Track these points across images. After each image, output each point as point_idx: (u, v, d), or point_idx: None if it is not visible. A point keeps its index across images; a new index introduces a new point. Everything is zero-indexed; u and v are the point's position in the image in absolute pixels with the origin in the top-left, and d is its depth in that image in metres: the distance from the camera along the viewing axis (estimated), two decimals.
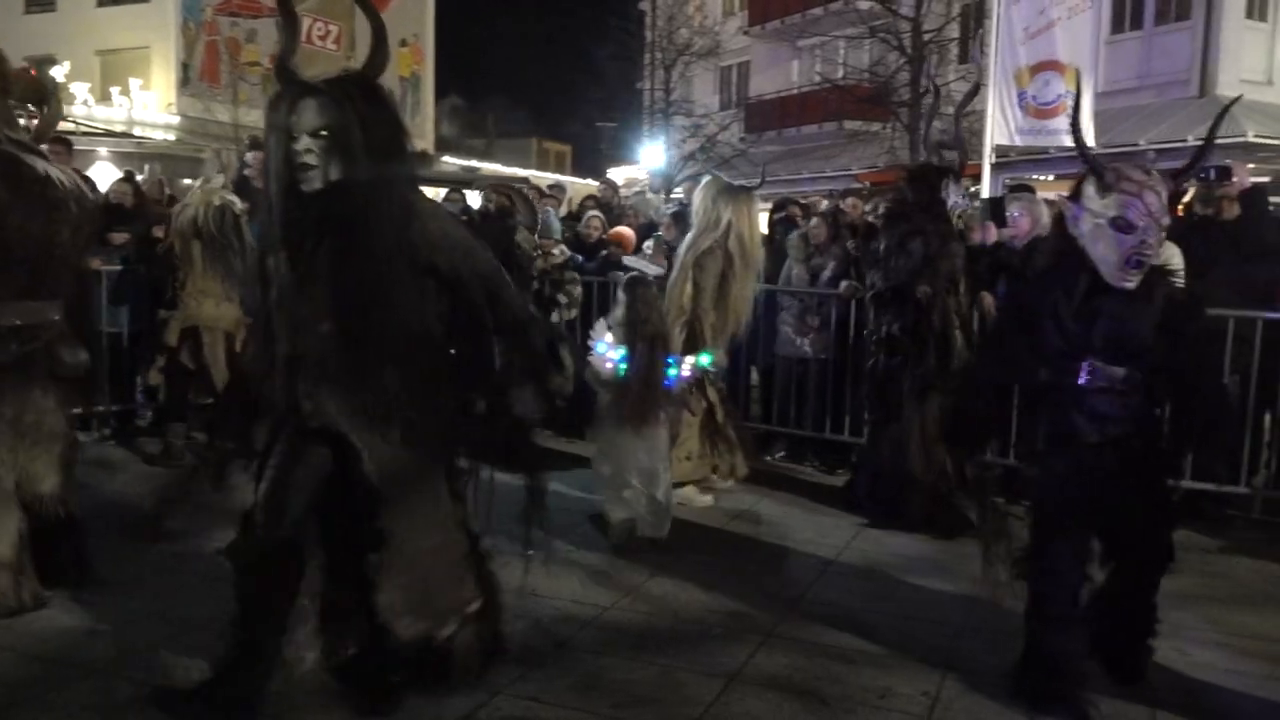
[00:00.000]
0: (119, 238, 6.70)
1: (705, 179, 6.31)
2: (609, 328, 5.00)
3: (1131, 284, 3.18)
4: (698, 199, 6.04)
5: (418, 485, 2.94)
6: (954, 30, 20.26)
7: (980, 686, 3.47)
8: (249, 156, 7.95)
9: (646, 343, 4.80)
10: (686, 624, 4.00)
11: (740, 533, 5.33)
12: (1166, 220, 3.19)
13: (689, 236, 5.95)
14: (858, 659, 3.68)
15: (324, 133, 2.75)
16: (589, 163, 32.03)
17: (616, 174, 22.34)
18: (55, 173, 3.86)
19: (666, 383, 4.96)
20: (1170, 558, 3.43)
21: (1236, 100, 4.19)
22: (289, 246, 2.84)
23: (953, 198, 5.41)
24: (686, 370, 5.24)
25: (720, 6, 28.02)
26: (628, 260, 6.58)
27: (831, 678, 3.52)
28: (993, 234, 6.24)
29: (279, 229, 2.86)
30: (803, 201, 9.38)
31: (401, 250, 2.80)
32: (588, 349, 4.97)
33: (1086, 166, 3.28)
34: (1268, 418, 5.66)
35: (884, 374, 5.55)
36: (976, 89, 6.39)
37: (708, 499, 5.80)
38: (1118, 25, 17.33)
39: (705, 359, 5.51)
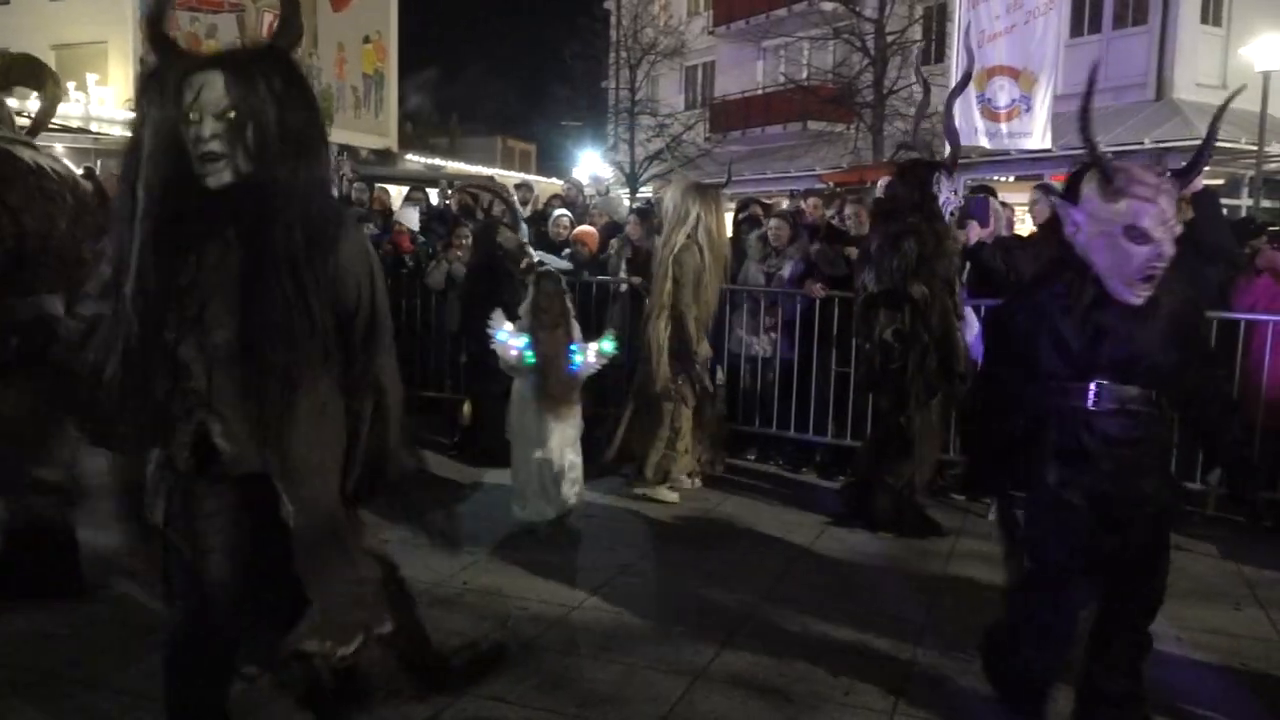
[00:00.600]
0: None
1: (675, 177, 6.40)
2: (513, 317, 5.27)
3: (1141, 299, 2.86)
4: (668, 196, 6.11)
5: (332, 519, 2.57)
6: (916, 32, 20.45)
7: (943, 683, 3.51)
8: None
9: (546, 330, 5.12)
10: (651, 622, 4.00)
11: (704, 531, 5.35)
12: (1179, 228, 2.89)
13: (663, 233, 6.01)
14: (822, 657, 3.70)
15: (232, 114, 2.21)
16: (554, 162, 31.96)
17: (581, 173, 22.31)
18: (47, 163, 3.78)
19: (571, 369, 5.19)
20: (1160, 598, 3.08)
21: (1239, 92, 3.80)
22: (175, 255, 2.28)
23: (944, 194, 5.24)
24: (591, 357, 5.28)
25: (685, 6, 28.08)
26: (539, 255, 6.76)
27: (796, 675, 3.54)
28: (975, 233, 6.21)
29: (155, 233, 2.26)
30: (766, 201, 9.44)
31: (326, 264, 2.34)
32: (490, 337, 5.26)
33: (1095, 168, 2.90)
34: None
35: (877, 378, 5.39)
36: (967, 79, 6.31)
37: (674, 496, 5.83)
38: (1076, 29, 17.58)
39: (609, 345, 5.42)
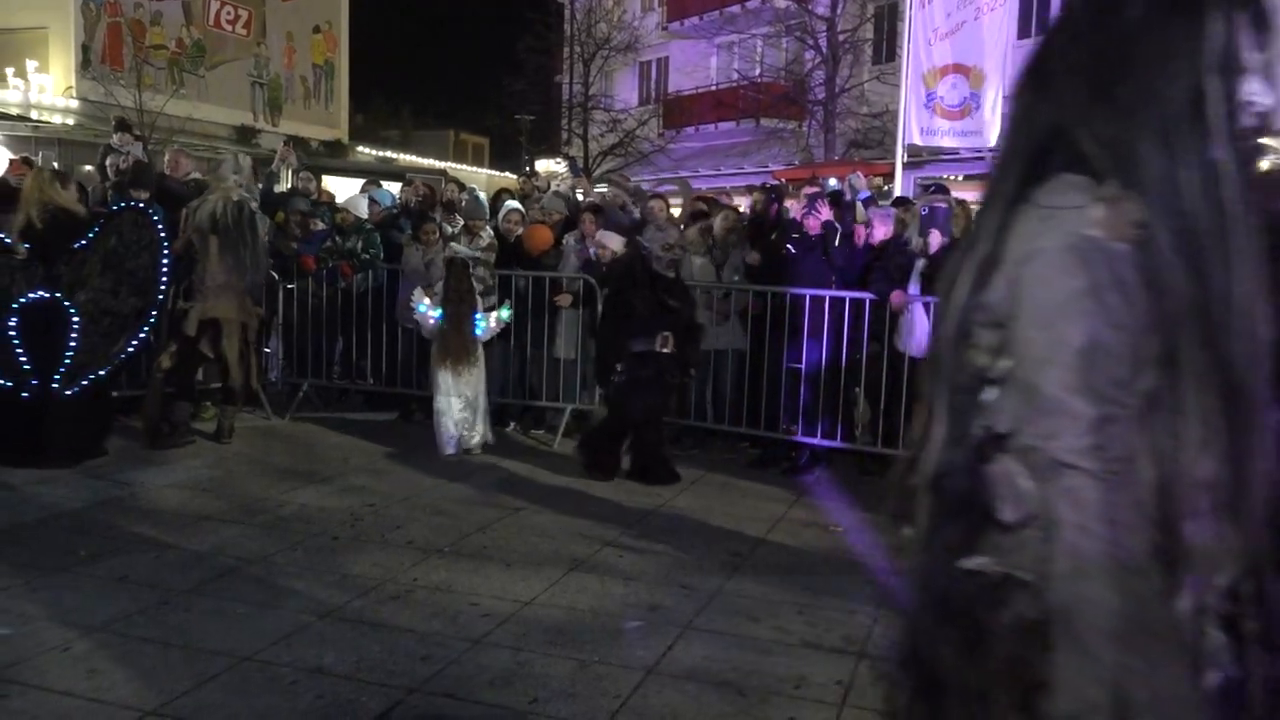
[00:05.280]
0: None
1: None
2: (429, 293, 6.65)
3: None
4: None
5: None
6: (868, 31, 20.64)
7: None
8: (115, 139, 7.95)
9: (453, 304, 6.51)
10: (605, 617, 4.00)
11: (656, 527, 5.35)
12: None
13: None
14: (774, 649, 3.72)
15: None
16: (507, 155, 31.76)
17: (536, 166, 22.20)
18: None
19: (475, 332, 6.57)
20: None
21: None
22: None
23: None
24: (492, 323, 6.67)
25: (639, 2, 28.05)
26: (453, 245, 7.26)
27: (748, 668, 3.56)
28: (937, 241, 6.06)
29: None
30: (709, 197, 9.51)
31: None
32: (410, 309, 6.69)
33: None
34: None
35: None
36: None
37: None
38: (1024, 30, 17.88)
39: (506, 313, 6.74)
